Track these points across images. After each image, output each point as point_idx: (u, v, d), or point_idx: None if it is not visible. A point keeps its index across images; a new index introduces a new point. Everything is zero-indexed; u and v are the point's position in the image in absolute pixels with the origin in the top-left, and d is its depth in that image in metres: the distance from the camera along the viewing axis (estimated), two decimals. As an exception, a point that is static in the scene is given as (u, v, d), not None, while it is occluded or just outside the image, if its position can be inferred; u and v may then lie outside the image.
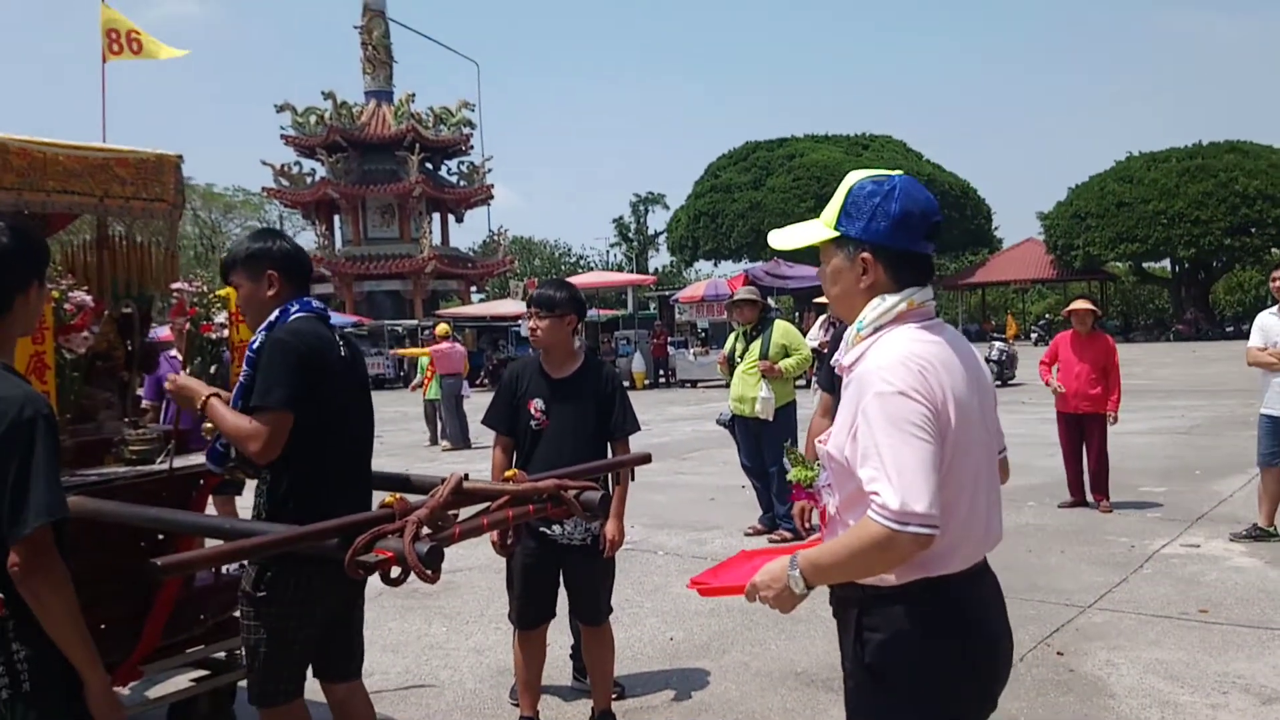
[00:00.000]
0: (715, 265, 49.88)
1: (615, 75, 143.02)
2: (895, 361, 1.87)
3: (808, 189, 45.32)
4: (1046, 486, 8.82)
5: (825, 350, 8.43)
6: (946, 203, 47.83)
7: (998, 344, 21.29)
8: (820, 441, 2.04)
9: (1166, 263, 45.22)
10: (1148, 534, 7.00)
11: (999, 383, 20.24)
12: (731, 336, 7.89)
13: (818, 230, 2.05)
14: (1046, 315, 43.02)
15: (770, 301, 9.59)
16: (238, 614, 3.83)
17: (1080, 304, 8.15)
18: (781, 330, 7.59)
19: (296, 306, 2.85)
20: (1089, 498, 8.02)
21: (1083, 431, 7.95)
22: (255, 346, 2.78)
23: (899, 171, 2.06)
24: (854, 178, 2.02)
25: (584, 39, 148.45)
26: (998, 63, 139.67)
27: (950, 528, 1.86)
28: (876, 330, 1.97)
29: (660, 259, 59.62)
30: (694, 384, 24.50)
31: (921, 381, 1.85)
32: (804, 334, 8.60)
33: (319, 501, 2.72)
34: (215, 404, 2.77)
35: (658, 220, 60.72)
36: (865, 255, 1.98)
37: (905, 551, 1.79)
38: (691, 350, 25.63)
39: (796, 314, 27.84)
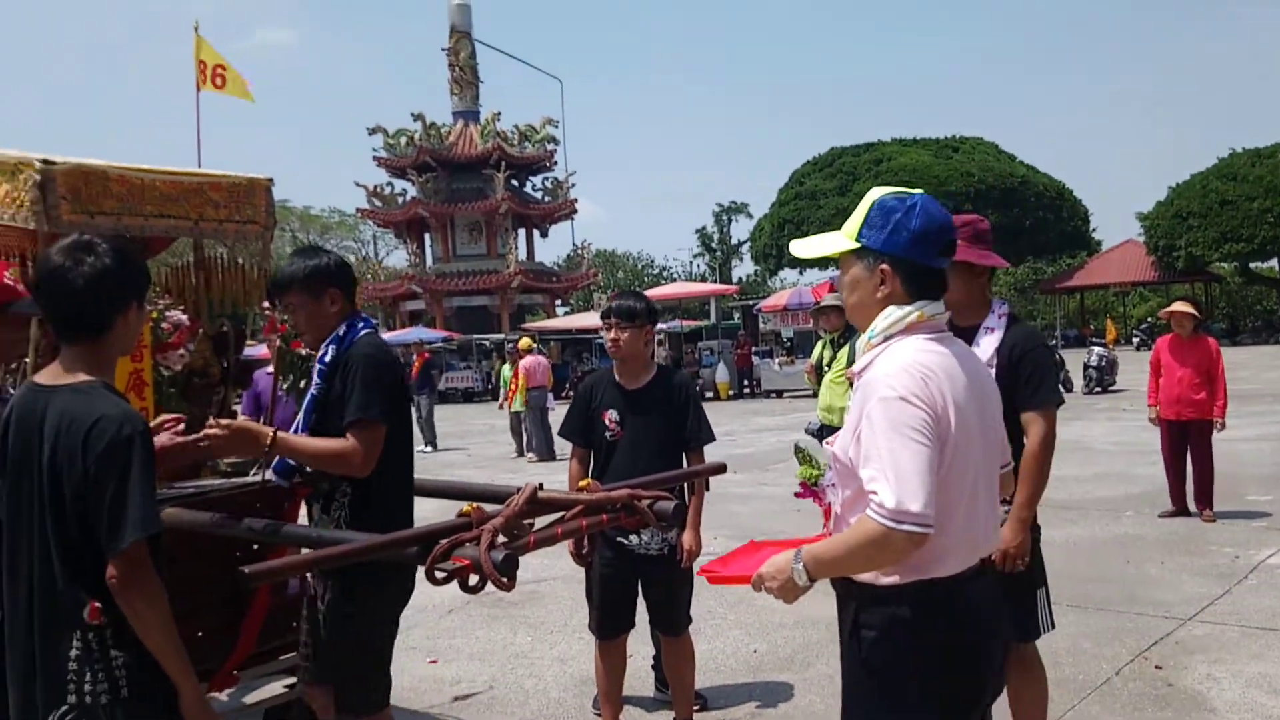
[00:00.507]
0: (800, 273, 49.41)
1: (697, 85, 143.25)
2: (899, 369, 1.97)
3: (895, 194, 44.62)
4: (1147, 495, 8.52)
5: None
6: (1041, 205, 46.60)
7: (1097, 349, 20.55)
8: (828, 443, 2.13)
9: (1275, 262, 43.15)
10: (1253, 544, 6.70)
11: (1098, 389, 19.60)
12: (819, 345, 7.79)
13: (839, 241, 2.15)
14: (1149, 319, 41.43)
15: None
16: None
17: (1179, 306, 7.84)
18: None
19: (362, 324, 2.96)
20: (1191, 507, 7.71)
21: (1185, 438, 7.65)
22: (327, 360, 2.88)
23: (919, 191, 2.15)
24: (877, 193, 2.13)
25: (665, 50, 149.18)
26: (1092, 59, 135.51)
27: (947, 530, 1.95)
28: (886, 339, 2.06)
29: (744, 268, 59.47)
30: (779, 394, 24.30)
31: (923, 388, 1.95)
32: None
33: (396, 510, 2.81)
34: (286, 437, 2.80)
35: (741, 229, 60.64)
36: (884, 267, 2.07)
37: (900, 548, 1.89)
38: (776, 360, 25.46)
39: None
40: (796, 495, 2.56)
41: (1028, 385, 3.17)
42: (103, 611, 2.08)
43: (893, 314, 2.06)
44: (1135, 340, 37.72)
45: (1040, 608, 3.25)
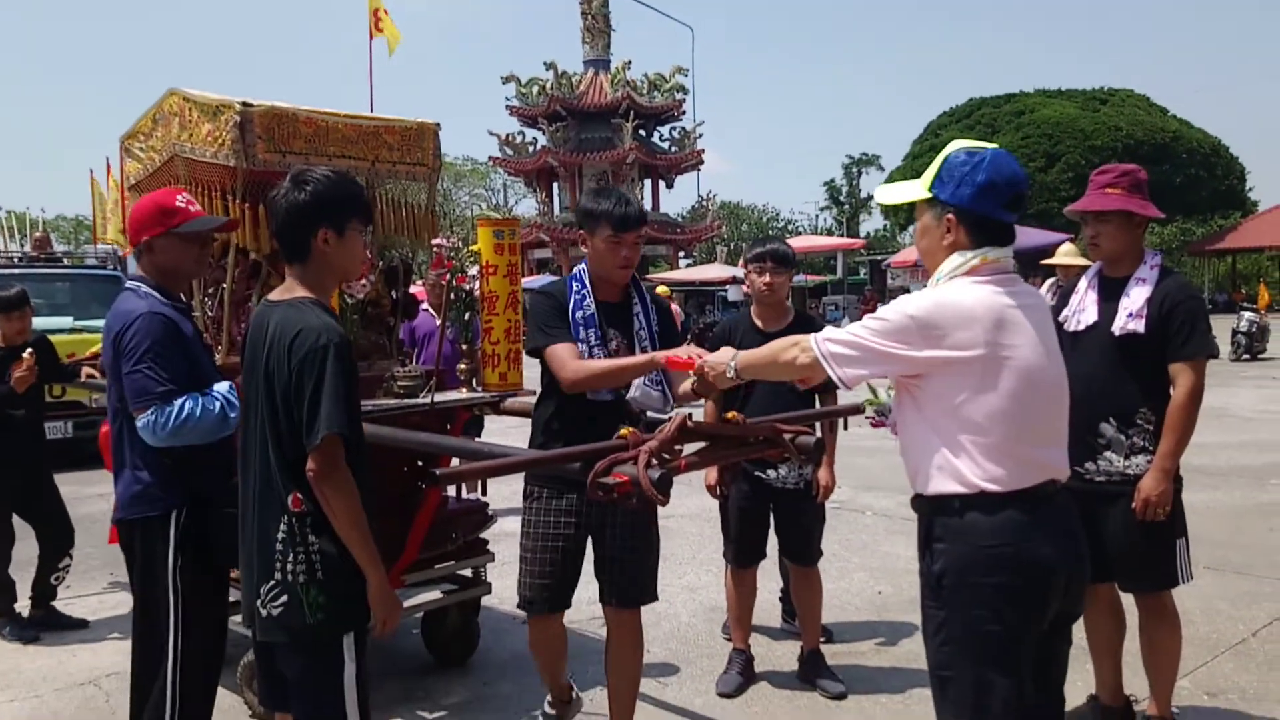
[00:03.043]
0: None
1: (831, 34, 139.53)
2: (925, 295, 2.21)
3: (1038, 147, 42.80)
4: (1295, 465, 8.19)
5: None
6: (1194, 162, 43.96)
7: (1247, 315, 19.39)
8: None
9: None
10: None
11: (1247, 356, 18.62)
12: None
13: (915, 190, 2.33)
14: (1308, 285, 38.80)
15: None
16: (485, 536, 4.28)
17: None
18: None
19: None
20: (1345, 479, 7.39)
21: (1341, 407, 7.31)
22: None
23: (994, 145, 2.30)
24: (953, 147, 2.30)
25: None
26: (1254, 8, 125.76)
27: (1015, 450, 2.15)
28: (951, 281, 2.23)
29: (873, 223, 58.19)
30: (905, 351, 23.88)
31: (926, 314, 2.15)
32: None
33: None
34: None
35: (871, 182, 59.11)
36: (950, 216, 2.24)
37: (802, 362, 2.30)
38: (904, 316, 24.98)
39: (1023, 278, 26.55)
40: (872, 424, 2.73)
41: (1178, 336, 3.17)
42: (304, 501, 2.33)
43: (955, 260, 2.23)
44: (1292, 307, 35.43)
45: (1180, 558, 3.26)
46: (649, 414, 3.13)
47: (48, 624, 4.92)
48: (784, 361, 2.38)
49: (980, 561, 2.17)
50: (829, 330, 2.31)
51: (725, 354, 2.60)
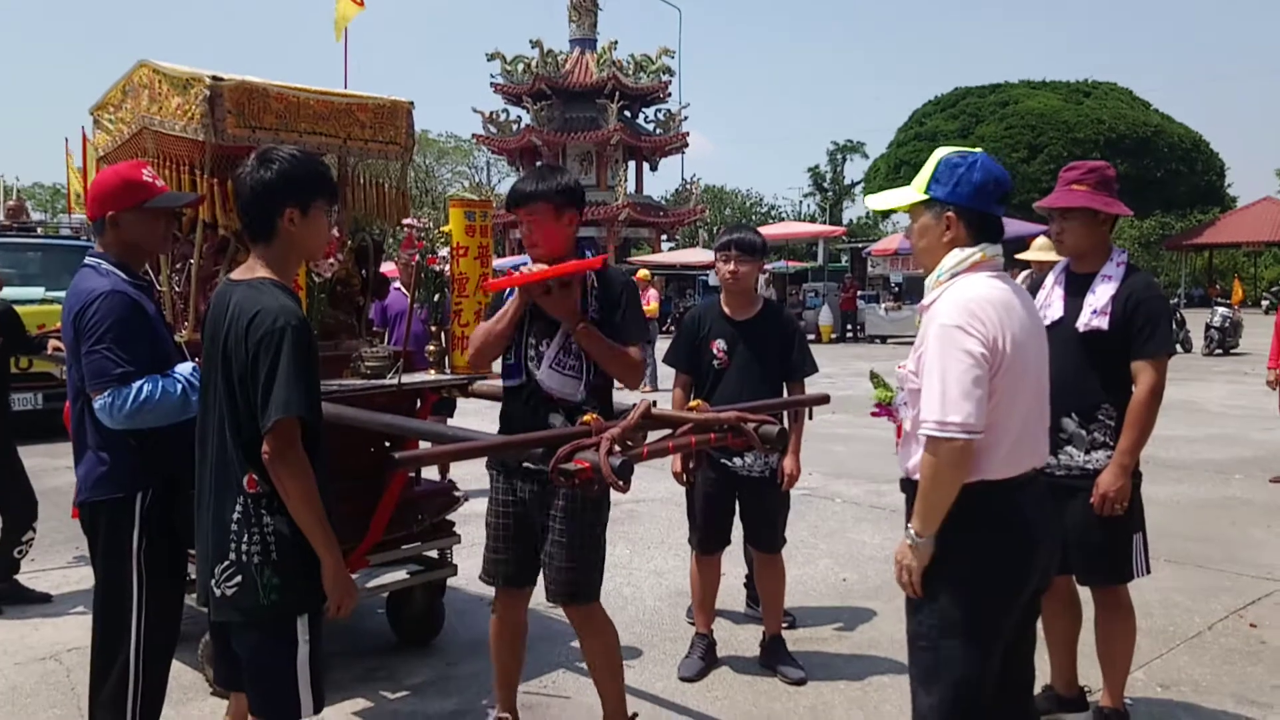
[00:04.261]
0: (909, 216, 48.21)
1: (817, 18, 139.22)
2: (959, 301, 2.29)
3: (1021, 138, 42.99)
4: (1260, 460, 8.30)
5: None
6: (1174, 156, 44.31)
7: (1221, 310, 19.61)
8: (900, 366, 2.41)
9: None
10: (1371, 516, 6.51)
11: (1220, 350, 18.85)
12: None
13: (909, 194, 2.46)
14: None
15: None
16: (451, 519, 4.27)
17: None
18: None
19: (590, 251, 3.19)
20: (1307, 474, 7.49)
21: (1306, 404, 7.41)
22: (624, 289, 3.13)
23: (979, 149, 2.48)
24: (941, 152, 2.45)
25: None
26: (1238, 3, 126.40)
27: (1002, 441, 2.29)
28: (953, 277, 2.36)
29: (855, 210, 58.23)
30: (883, 339, 24.03)
31: (977, 319, 2.25)
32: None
33: None
34: (593, 330, 3.03)
35: (855, 169, 59.20)
36: (949, 214, 2.38)
37: (951, 456, 2.22)
38: (883, 305, 25.10)
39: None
40: (872, 415, 2.76)
41: (1141, 334, 3.19)
42: (259, 482, 2.32)
43: (957, 254, 2.37)
44: (1265, 303, 35.85)
45: (1136, 552, 3.30)
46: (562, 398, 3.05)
47: (11, 598, 4.88)
48: (950, 482, 2.27)
49: (971, 539, 2.29)
50: (924, 400, 2.27)
51: (898, 546, 2.41)
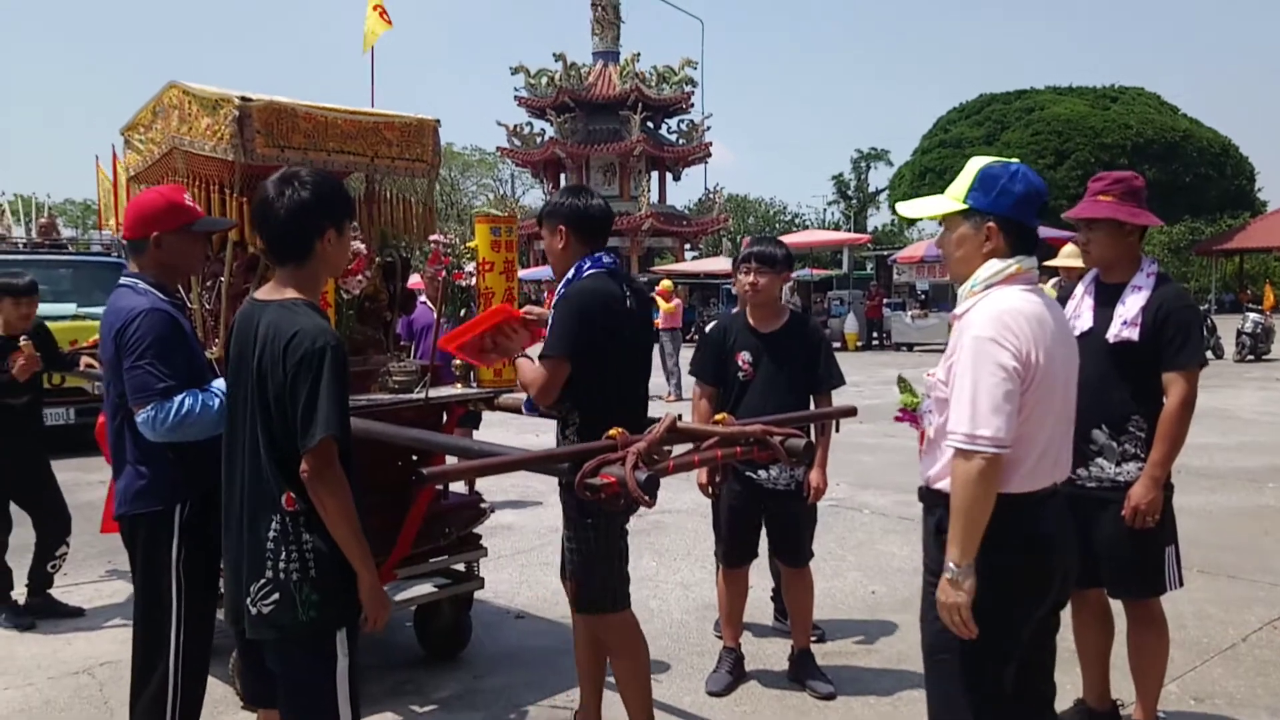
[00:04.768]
0: (940, 224, 47.93)
1: (840, 26, 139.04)
2: (993, 314, 2.26)
3: (1047, 144, 42.69)
4: (1295, 469, 8.18)
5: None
6: (1204, 161, 43.83)
7: (1252, 315, 19.34)
8: (929, 374, 2.39)
9: None
10: None
11: (1251, 357, 18.59)
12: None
13: (946, 203, 2.43)
14: (1316, 287, 38.54)
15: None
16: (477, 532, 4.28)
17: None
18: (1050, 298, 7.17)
19: (589, 264, 3.14)
20: (1344, 484, 7.37)
21: (1341, 412, 7.30)
22: (555, 302, 3.13)
23: (1016, 160, 2.45)
24: (980, 161, 2.42)
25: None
26: (1266, 6, 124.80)
27: (1029, 454, 2.27)
28: (987, 288, 2.34)
29: (880, 218, 57.94)
30: (909, 347, 23.88)
31: (1011, 332, 2.23)
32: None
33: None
34: (524, 361, 3.17)
35: (880, 177, 59.05)
36: (990, 225, 2.36)
37: (981, 470, 2.19)
38: (909, 312, 24.95)
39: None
40: (896, 419, 2.76)
41: (1171, 345, 3.16)
42: (297, 500, 2.35)
43: (993, 265, 2.34)
44: (1298, 308, 35.28)
45: (1169, 565, 3.27)
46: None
47: (45, 611, 4.95)
48: (983, 497, 2.22)
49: (993, 551, 2.25)
50: (953, 412, 2.25)
51: (945, 587, 2.28)
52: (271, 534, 2.36)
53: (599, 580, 3.15)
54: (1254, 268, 44.21)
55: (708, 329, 4.36)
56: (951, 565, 2.25)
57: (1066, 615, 2.84)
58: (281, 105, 3.68)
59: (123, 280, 3.01)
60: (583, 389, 3.10)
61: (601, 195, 3.35)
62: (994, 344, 2.22)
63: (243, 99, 3.59)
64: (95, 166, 11.48)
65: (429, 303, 6.12)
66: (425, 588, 4.18)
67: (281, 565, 2.36)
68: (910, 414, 2.66)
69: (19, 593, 5.01)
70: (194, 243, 3.07)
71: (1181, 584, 3.32)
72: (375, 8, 5.52)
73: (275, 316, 2.37)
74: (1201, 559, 5.39)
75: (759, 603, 4.72)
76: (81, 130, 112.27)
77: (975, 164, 2.43)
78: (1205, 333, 3.28)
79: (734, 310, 4.23)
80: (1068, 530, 2.43)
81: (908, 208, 2.63)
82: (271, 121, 3.64)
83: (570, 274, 3.16)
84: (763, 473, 3.93)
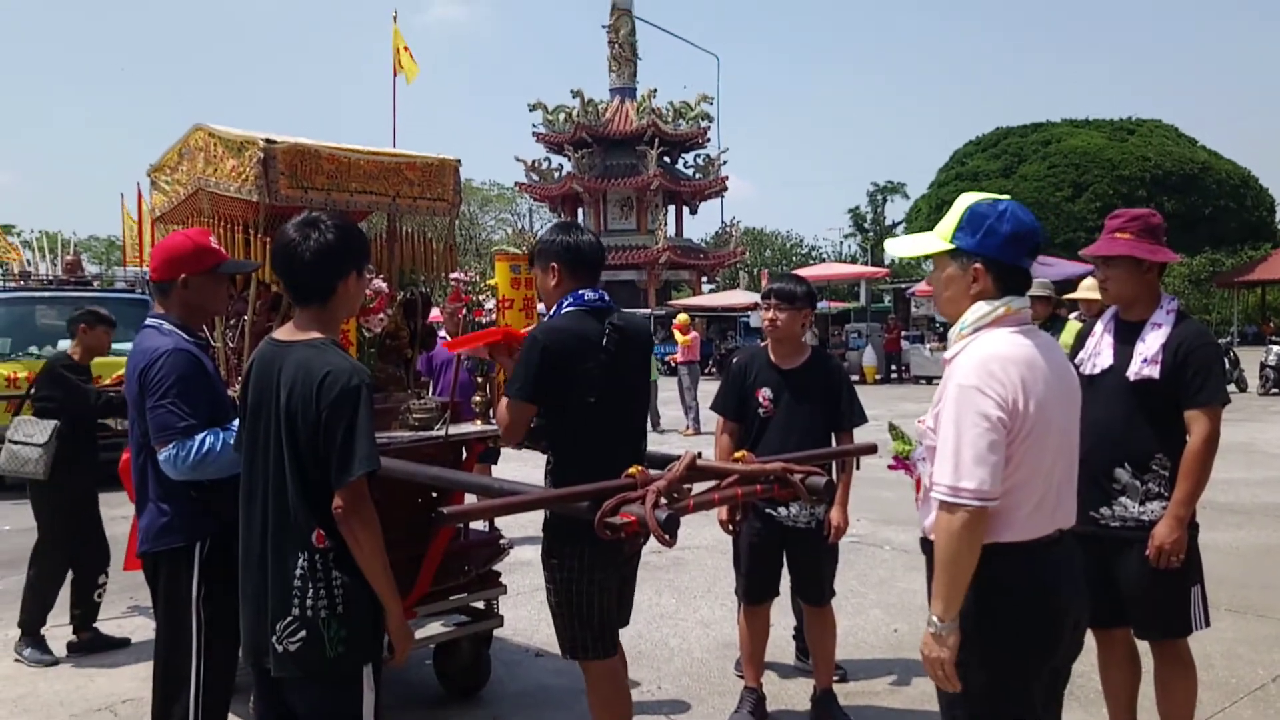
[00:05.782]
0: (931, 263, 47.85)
1: (855, 60, 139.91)
2: (979, 360, 2.19)
3: (1065, 177, 42.65)
4: (1324, 505, 8.06)
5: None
6: (1223, 193, 43.64)
7: (1276, 348, 19.16)
8: (920, 421, 2.32)
9: None
10: None
11: (1276, 390, 18.40)
12: (1065, 331, 7.15)
13: (934, 242, 2.35)
14: (1339, 318, 38.17)
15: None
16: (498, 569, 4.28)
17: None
18: (1073, 333, 6.19)
19: (569, 300, 3.09)
20: (1373, 520, 7.26)
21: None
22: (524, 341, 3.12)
23: (1006, 197, 2.33)
24: (970, 198, 2.33)
25: (823, 25, 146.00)
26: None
27: (1026, 501, 2.19)
28: (976, 331, 2.26)
29: (898, 251, 57.78)
30: (929, 380, 23.74)
31: (996, 379, 2.15)
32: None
33: (581, 477, 2.91)
34: (502, 399, 3.15)
35: (896, 210, 59.10)
36: (977, 266, 2.28)
37: (964, 523, 2.11)
38: (928, 345, 24.85)
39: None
40: (890, 468, 2.71)
41: (1193, 383, 3.14)
42: (327, 536, 2.37)
43: (981, 308, 2.26)
44: (1323, 340, 34.91)
45: (1194, 605, 3.22)
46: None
47: (94, 647, 4.99)
48: (966, 552, 2.14)
49: (997, 606, 2.19)
50: (939, 474, 2.16)
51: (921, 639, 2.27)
52: (299, 571, 2.37)
53: (563, 625, 3.11)
54: (1276, 299, 43.87)
55: (733, 361, 4.36)
56: (935, 619, 2.17)
57: (1093, 655, 2.80)
58: (305, 147, 3.74)
59: (148, 321, 3.07)
60: (552, 429, 3.10)
61: (610, 229, 3.38)
62: (978, 393, 2.14)
63: (267, 141, 3.65)
64: (120, 205, 11.65)
65: (448, 336, 6.16)
66: (445, 625, 4.16)
67: (309, 602, 2.36)
68: (903, 461, 2.61)
69: (49, 628, 5.02)
70: (220, 284, 3.15)
71: (1208, 624, 3.28)
72: (403, 49, 5.64)
73: (304, 356, 2.40)
74: (1229, 597, 5.31)
75: (781, 642, 4.68)
76: (105, 168, 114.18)
77: (964, 201, 2.34)
78: (1227, 367, 3.24)
79: (761, 343, 4.22)
80: (1075, 578, 2.32)
81: (896, 246, 2.56)
82: (295, 163, 3.70)
83: (552, 311, 3.15)
84: (783, 510, 3.91)
